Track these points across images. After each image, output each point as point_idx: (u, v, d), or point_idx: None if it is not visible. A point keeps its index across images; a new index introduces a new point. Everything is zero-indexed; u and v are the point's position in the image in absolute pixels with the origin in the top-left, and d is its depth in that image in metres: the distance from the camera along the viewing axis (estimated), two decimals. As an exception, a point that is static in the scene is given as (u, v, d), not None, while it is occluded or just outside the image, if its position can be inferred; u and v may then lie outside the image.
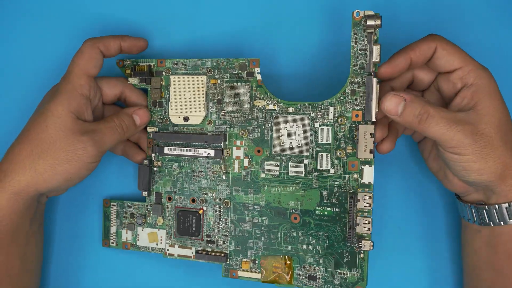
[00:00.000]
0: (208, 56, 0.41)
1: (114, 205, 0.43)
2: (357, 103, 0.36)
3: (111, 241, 0.42)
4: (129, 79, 0.41)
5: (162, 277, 0.45)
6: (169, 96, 0.41)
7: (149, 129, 0.41)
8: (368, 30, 0.35)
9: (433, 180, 0.41)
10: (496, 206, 0.35)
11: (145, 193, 0.41)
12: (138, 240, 0.42)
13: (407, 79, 0.37)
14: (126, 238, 0.42)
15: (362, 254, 0.36)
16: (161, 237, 0.41)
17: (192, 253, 0.40)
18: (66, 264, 0.46)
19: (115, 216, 0.43)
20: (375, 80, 0.34)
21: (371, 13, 0.35)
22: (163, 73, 0.41)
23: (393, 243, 0.41)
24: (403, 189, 0.41)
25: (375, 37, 0.35)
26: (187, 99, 0.40)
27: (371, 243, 0.35)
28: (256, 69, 0.38)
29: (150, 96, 0.41)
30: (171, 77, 0.40)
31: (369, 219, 0.35)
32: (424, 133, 0.34)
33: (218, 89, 0.39)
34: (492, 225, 0.36)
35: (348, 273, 0.36)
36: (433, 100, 0.38)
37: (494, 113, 0.33)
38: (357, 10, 0.35)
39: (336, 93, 0.36)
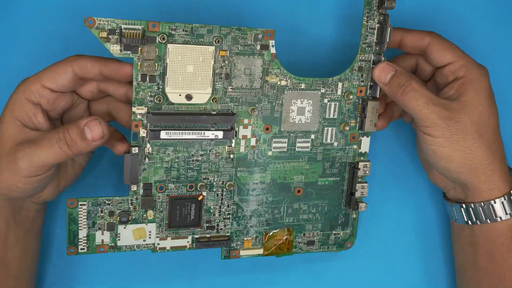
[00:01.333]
0: (213, 22, 0.42)
1: (84, 205, 0.42)
2: (362, 79, 0.46)
3: (80, 247, 0.42)
4: (108, 46, 0.39)
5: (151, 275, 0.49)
6: (164, 69, 0.41)
7: (136, 110, 0.41)
8: (385, 12, 0.44)
9: (425, 178, 0.53)
10: (472, 205, 0.47)
11: (134, 187, 0.42)
12: (119, 239, 0.43)
13: (411, 65, 0.49)
14: (102, 240, 0.43)
15: (354, 214, 0.50)
16: (150, 231, 0.44)
17: (188, 242, 0.45)
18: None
19: (85, 217, 0.42)
20: (384, 59, 0.46)
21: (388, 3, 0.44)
22: (157, 39, 0.40)
23: (387, 241, 0.54)
24: (396, 187, 0.54)
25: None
26: (189, 73, 0.41)
27: (365, 204, 0.49)
28: (270, 41, 0.43)
29: (137, 68, 0.40)
30: (170, 46, 0.40)
31: (366, 184, 0.48)
32: (405, 106, 0.45)
33: (226, 62, 0.42)
34: (470, 223, 0.47)
35: (342, 232, 0.50)
36: (433, 90, 0.48)
37: (476, 107, 0.45)
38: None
39: (346, 69, 0.46)
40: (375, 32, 0.46)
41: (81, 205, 0.42)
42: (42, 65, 0.41)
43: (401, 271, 0.56)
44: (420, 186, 0.56)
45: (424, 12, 0.54)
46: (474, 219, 0.47)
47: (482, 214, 0.46)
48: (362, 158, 0.48)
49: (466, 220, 0.47)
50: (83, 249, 0.43)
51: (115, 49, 0.39)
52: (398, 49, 0.49)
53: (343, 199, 0.49)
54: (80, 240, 0.43)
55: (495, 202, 0.45)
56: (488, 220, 0.46)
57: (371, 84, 0.47)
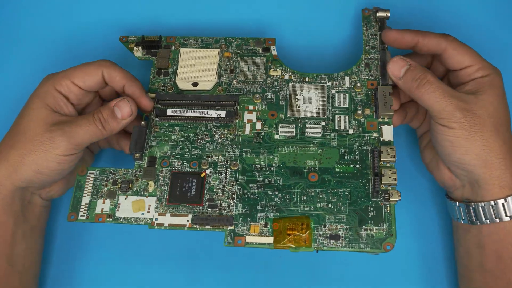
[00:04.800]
0: (219, 35, 0.52)
1: (92, 173, 0.45)
2: (371, 74, 0.47)
3: (81, 214, 0.43)
4: (134, 51, 0.49)
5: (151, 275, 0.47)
6: (176, 67, 0.49)
7: (149, 95, 0.47)
8: (380, 21, 0.49)
9: (428, 178, 0.50)
10: (482, 203, 0.43)
11: (137, 155, 0.45)
12: (118, 210, 0.43)
13: (426, 63, 0.49)
14: (102, 209, 0.43)
15: (388, 208, 0.42)
16: (149, 205, 0.43)
17: (188, 221, 0.42)
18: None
19: (90, 185, 0.44)
20: (389, 53, 0.47)
21: (382, 13, 0.49)
22: (173, 47, 0.50)
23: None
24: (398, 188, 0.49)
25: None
26: (197, 69, 0.48)
27: (399, 193, 0.41)
28: (271, 46, 0.49)
29: (154, 66, 0.49)
30: (182, 50, 0.50)
31: (395, 170, 0.42)
32: (420, 99, 0.44)
33: (231, 61, 0.49)
34: (479, 223, 0.43)
35: (375, 229, 0.41)
36: None
37: (492, 101, 0.44)
38: (366, 8, 0.50)
39: (351, 67, 0.48)
40: (378, 38, 0.48)
41: (90, 173, 0.45)
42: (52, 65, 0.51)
43: (401, 271, 0.48)
44: (420, 186, 0.51)
45: (430, 11, 0.55)
46: (483, 219, 0.43)
47: (492, 213, 0.43)
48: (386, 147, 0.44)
49: (474, 219, 0.44)
50: (83, 216, 0.43)
51: (138, 52, 0.49)
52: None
53: (370, 189, 0.42)
54: (82, 206, 0.43)
55: (505, 201, 0.42)
56: (497, 219, 0.43)
57: (381, 75, 0.47)
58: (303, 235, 0.41)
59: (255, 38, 0.50)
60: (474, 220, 0.43)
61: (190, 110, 0.46)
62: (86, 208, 0.43)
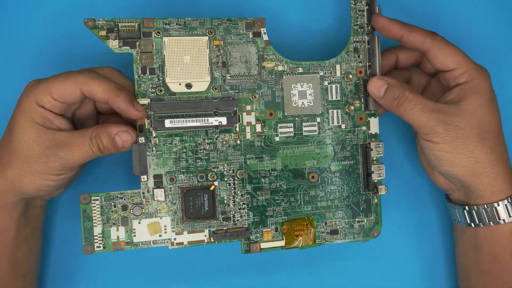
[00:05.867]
0: (204, 15, 0.46)
1: (97, 200, 0.43)
2: (360, 60, 0.48)
3: (96, 245, 0.43)
4: (108, 43, 0.42)
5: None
6: (162, 61, 0.44)
7: (139, 101, 0.43)
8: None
9: (428, 181, 0.53)
10: (475, 207, 0.47)
11: (143, 177, 0.43)
12: (135, 236, 0.43)
13: (415, 59, 0.49)
14: (118, 236, 0.43)
15: (376, 200, 0.48)
16: (165, 226, 0.44)
17: (205, 236, 0.45)
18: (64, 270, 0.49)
19: (98, 213, 0.43)
20: (377, 36, 0.47)
21: None
22: (153, 34, 0.43)
23: (387, 242, 0.53)
24: (397, 189, 0.54)
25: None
26: (187, 64, 0.44)
27: (385, 187, 0.48)
28: (262, 29, 0.45)
29: (137, 62, 0.43)
30: (165, 39, 0.43)
31: (382, 165, 0.48)
32: (402, 117, 0.46)
33: (222, 51, 0.45)
34: (473, 226, 0.47)
35: (365, 219, 0.48)
36: (436, 89, 0.49)
37: (475, 110, 0.45)
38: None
39: (341, 52, 0.47)
40: (365, 14, 0.47)
41: (94, 200, 0.43)
42: (44, 65, 0.45)
43: (402, 271, 0.54)
44: (421, 187, 0.55)
45: (425, 9, 0.55)
46: (477, 222, 0.47)
47: (485, 216, 0.46)
48: (373, 139, 0.48)
49: (469, 222, 0.47)
50: (99, 247, 0.43)
51: (114, 45, 0.43)
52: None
53: (361, 183, 0.48)
54: (95, 237, 0.43)
55: (498, 205, 0.45)
56: (491, 222, 0.46)
57: (369, 64, 0.47)
58: (309, 235, 0.47)
59: (243, 18, 0.45)
60: (469, 222, 0.47)
61: (190, 119, 0.44)
62: (101, 238, 0.43)
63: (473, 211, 0.46)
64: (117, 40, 0.43)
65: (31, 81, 0.43)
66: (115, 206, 0.44)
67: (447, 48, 0.45)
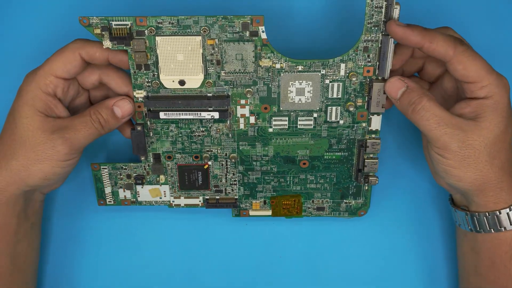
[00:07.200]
0: (199, 13, 0.43)
1: (105, 168, 0.49)
2: (369, 60, 0.44)
3: (108, 200, 0.50)
4: (103, 42, 0.43)
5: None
6: (156, 58, 0.44)
7: (136, 94, 0.45)
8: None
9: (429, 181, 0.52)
10: (477, 214, 0.45)
11: (143, 158, 0.48)
12: (139, 196, 0.50)
13: (418, 65, 0.45)
14: (125, 196, 0.50)
15: (366, 186, 0.50)
16: (164, 191, 0.50)
17: (200, 201, 0.51)
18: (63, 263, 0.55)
19: (107, 178, 0.49)
20: (392, 40, 0.42)
21: None
22: (145, 32, 0.43)
23: (387, 242, 0.53)
24: (399, 190, 0.53)
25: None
26: (180, 61, 0.44)
27: (377, 178, 0.48)
28: (260, 27, 0.42)
29: (132, 59, 0.44)
30: (158, 38, 0.43)
31: (376, 160, 0.48)
32: (416, 124, 0.43)
33: (216, 49, 0.44)
34: (473, 231, 0.46)
35: (353, 201, 0.51)
36: (435, 94, 0.45)
37: (492, 129, 0.42)
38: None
39: (348, 50, 0.44)
40: (383, 11, 0.42)
41: (103, 168, 0.49)
42: (37, 62, 0.45)
43: (402, 271, 0.54)
44: (422, 187, 0.53)
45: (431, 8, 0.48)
46: (478, 228, 0.46)
47: (486, 224, 0.45)
48: (373, 135, 0.47)
49: (470, 227, 0.46)
50: (110, 201, 0.51)
51: (109, 43, 0.43)
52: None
53: (353, 172, 0.49)
54: (106, 195, 0.50)
55: (500, 213, 0.44)
56: (492, 229, 0.45)
57: (379, 64, 0.44)
58: (296, 208, 0.50)
59: (239, 16, 0.42)
60: (470, 228, 0.46)
61: (183, 112, 0.45)
62: (111, 196, 0.50)
63: (475, 218, 0.46)
64: (111, 42, 0.43)
65: (28, 73, 0.44)
66: (120, 175, 0.49)
67: (468, 60, 0.41)
